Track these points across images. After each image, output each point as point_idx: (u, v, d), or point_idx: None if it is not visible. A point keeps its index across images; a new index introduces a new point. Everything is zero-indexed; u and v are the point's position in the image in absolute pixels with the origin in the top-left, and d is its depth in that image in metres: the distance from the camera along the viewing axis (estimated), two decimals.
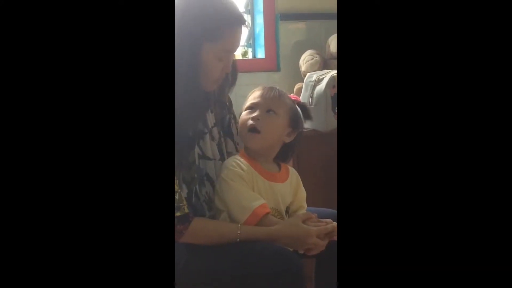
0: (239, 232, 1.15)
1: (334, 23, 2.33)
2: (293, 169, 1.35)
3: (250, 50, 2.62)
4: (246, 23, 1.21)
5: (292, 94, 1.34)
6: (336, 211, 1.30)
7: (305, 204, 1.35)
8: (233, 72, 1.29)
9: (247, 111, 1.25)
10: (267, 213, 1.19)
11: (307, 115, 1.31)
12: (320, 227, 1.20)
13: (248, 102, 1.26)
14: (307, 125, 2.02)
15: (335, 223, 1.21)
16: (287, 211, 1.31)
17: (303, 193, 1.34)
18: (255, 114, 1.23)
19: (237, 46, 1.23)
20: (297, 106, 1.29)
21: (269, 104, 1.24)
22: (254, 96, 1.26)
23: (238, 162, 1.23)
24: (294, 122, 1.27)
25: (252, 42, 2.59)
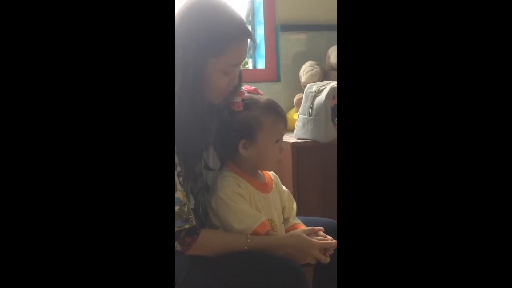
0: (248, 240, 1.16)
1: (334, 34, 2.35)
2: (272, 173, 1.35)
3: (250, 61, 2.63)
4: (252, 36, 1.19)
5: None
6: (333, 221, 1.31)
7: (294, 206, 1.36)
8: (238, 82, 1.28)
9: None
10: (267, 231, 1.20)
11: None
12: (323, 242, 1.20)
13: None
14: (307, 135, 2.03)
15: (335, 241, 1.21)
16: (284, 218, 1.32)
17: (286, 193, 1.35)
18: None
19: (243, 59, 1.22)
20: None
21: None
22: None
23: (234, 179, 1.22)
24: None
25: (252, 52, 2.60)
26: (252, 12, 2.58)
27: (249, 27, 2.56)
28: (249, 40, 1.19)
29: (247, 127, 1.21)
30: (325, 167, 2.04)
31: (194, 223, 1.14)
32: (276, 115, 1.24)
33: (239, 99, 1.23)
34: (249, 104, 1.23)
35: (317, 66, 2.33)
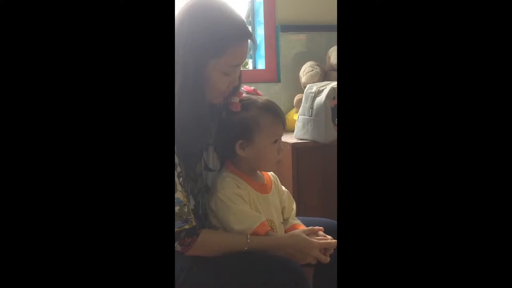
0: (248, 241, 1.16)
1: (334, 35, 2.35)
2: (272, 173, 1.35)
3: (250, 61, 2.63)
4: (252, 36, 1.20)
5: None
6: (333, 221, 1.31)
7: (294, 206, 1.36)
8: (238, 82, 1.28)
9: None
10: (267, 231, 1.20)
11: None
12: (323, 242, 1.20)
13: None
14: (307, 136, 2.03)
15: (335, 240, 1.21)
16: (284, 219, 1.32)
17: (285, 193, 1.36)
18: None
19: (244, 59, 1.22)
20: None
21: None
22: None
23: (233, 180, 1.22)
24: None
25: (252, 53, 2.60)
26: (252, 12, 2.58)
27: (249, 28, 2.56)
28: (249, 40, 1.19)
29: (244, 128, 1.21)
30: (325, 168, 2.04)
31: (194, 223, 1.14)
32: (274, 116, 1.24)
33: (237, 99, 1.23)
34: (247, 104, 1.23)
35: (317, 67, 2.33)
